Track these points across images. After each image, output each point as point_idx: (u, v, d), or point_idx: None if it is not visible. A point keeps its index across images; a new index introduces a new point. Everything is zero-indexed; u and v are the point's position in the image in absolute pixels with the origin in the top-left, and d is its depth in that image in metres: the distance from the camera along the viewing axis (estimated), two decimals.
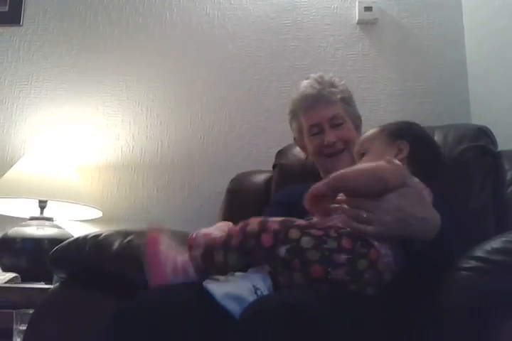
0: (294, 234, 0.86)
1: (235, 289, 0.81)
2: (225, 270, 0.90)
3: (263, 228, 0.87)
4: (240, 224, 0.92)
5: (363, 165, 1.01)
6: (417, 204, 0.91)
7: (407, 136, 1.08)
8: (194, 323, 0.83)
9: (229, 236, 0.91)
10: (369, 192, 0.90)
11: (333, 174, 0.92)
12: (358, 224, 0.88)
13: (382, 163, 0.94)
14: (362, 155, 1.09)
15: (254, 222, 0.90)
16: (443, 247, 0.92)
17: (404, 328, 0.87)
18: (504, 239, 0.89)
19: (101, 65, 2.18)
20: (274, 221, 0.89)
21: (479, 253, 0.89)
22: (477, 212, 1.37)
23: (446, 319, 0.86)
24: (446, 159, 1.30)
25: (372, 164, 0.95)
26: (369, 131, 1.14)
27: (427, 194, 0.98)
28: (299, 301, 0.74)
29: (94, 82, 2.16)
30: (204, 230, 1.00)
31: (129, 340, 0.82)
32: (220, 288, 0.82)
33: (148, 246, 0.94)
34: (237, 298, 0.80)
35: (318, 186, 0.91)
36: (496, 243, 0.89)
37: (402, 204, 0.89)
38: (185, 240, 0.98)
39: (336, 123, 1.32)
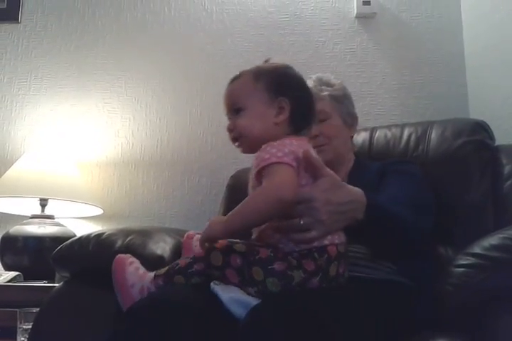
0: (257, 274, 0.86)
1: (238, 293, 0.83)
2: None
3: (226, 263, 0.88)
4: (204, 251, 0.91)
5: (253, 196, 0.92)
6: (338, 189, 0.93)
7: (288, 91, 1.00)
8: (201, 323, 0.84)
9: (191, 262, 0.93)
10: (277, 215, 0.90)
11: (227, 217, 0.91)
12: (299, 234, 0.88)
13: (267, 189, 0.89)
14: (237, 110, 1.01)
15: (216, 255, 0.88)
16: (378, 212, 0.96)
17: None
18: (502, 235, 0.90)
19: (100, 62, 2.18)
20: (238, 251, 0.88)
21: (478, 249, 0.90)
22: (475, 207, 1.37)
23: (445, 315, 0.88)
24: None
25: (259, 191, 0.90)
26: (240, 76, 1.05)
27: (309, 148, 0.96)
28: (303, 305, 0.76)
29: (93, 78, 2.16)
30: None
31: (140, 337, 0.83)
32: (225, 291, 0.84)
33: (115, 271, 0.96)
34: (242, 302, 0.81)
35: (213, 234, 0.89)
36: (494, 239, 0.90)
37: (327, 197, 0.90)
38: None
39: (319, 119, 1.31)
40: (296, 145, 0.93)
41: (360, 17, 2.14)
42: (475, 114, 1.92)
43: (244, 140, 1.00)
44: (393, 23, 2.13)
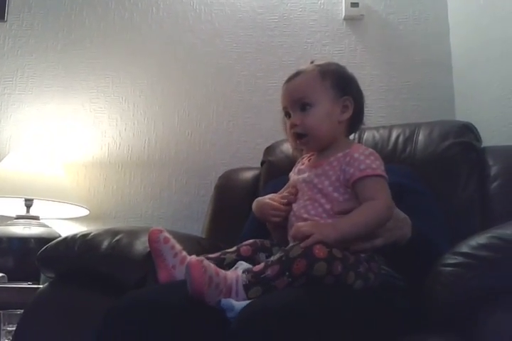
0: (350, 278, 0.86)
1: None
2: None
3: (328, 271, 0.83)
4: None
5: (366, 211, 0.91)
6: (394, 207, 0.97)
7: (352, 91, 1.02)
8: (185, 324, 0.82)
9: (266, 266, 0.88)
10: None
11: (337, 225, 0.89)
12: (368, 242, 0.90)
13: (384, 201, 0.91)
14: (304, 105, 0.99)
15: (322, 265, 0.83)
16: (420, 244, 0.98)
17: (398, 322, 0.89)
18: (489, 234, 0.90)
19: (87, 61, 2.16)
20: (338, 257, 0.85)
21: (465, 249, 0.90)
22: (462, 208, 1.39)
23: (433, 314, 0.88)
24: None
25: (372, 207, 0.90)
26: (303, 72, 1.02)
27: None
28: (295, 302, 0.75)
29: (80, 78, 2.15)
30: None
31: (118, 340, 0.82)
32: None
33: (151, 243, 0.94)
34: (232, 305, 0.80)
35: (326, 240, 0.85)
36: (481, 239, 0.90)
37: None
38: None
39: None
40: None
41: (348, 19, 2.15)
42: (462, 115, 1.93)
43: (312, 139, 0.99)
44: (381, 25, 2.15)
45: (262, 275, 0.83)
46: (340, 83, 1.00)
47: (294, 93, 1.00)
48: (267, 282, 0.83)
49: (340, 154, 0.96)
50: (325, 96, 0.98)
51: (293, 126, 0.99)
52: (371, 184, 0.91)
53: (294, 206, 0.98)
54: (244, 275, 0.84)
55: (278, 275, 0.82)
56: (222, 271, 0.84)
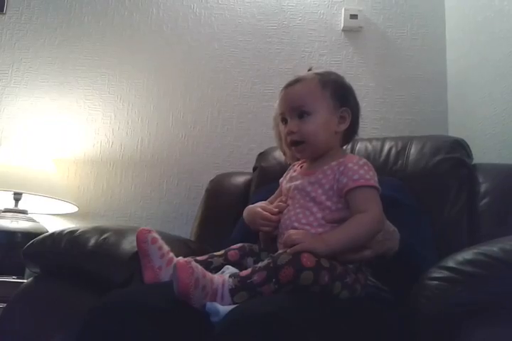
0: (337, 288, 0.87)
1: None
2: None
3: (315, 282, 0.84)
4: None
5: (357, 225, 0.91)
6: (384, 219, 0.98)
7: (350, 102, 1.02)
8: (168, 326, 0.82)
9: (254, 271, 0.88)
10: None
11: (327, 237, 0.89)
12: (356, 254, 0.91)
13: (375, 214, 0.91)
14: (302, 113, 0.98)
15: (308, 274, 0.83)
16: (407, 257, 1.00)
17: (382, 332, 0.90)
18: (476, 250, 0.91)
19: (83, 58, 2.15)
20: (325, 266, 0.85)
21: (451, 263, 0.91)
22: (450, 223, 1.40)
23: (418, 327, 0.88)
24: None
25: (362, 220, 0.90)
26: (303, 79, 1.02)
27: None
28: (279, 309, 0.75)
29: (76, 74, 2.14)
30: None
31: (100, 339, 0.81)
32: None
33: (138, 243, 0.94)
34: (217, 309, 0.80)
35: (315, 251, 0.85)
36: (467, 254, 0.91)
37: None
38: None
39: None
40: None
41: (347, 30, 2.17)
42: (454, 131, 1.96)
43: (308, 146, 0.98)
44: (379, 38, 2.17)
45: (249, 281, 0.83)
46: (340, 94, 1.01)
47: (294, 100, 1.00)
48: (253, 287, 0.83)
49: (334, 163, 0.96)
50: (324, 106, 0.98)
51: (290, 133, 0.99)
52: (363, 195, 0.92)
53: (285, 213, 0.98)
54: (230, 279, 0.84)
55: (264, 281, 0.83)
56: (209, 274, 0.84)
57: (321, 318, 0.79)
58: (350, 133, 1.03)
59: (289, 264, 0.82)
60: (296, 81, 1.02)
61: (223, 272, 0.90)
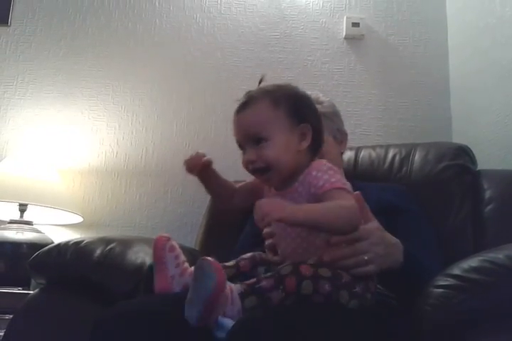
0: (343, 298, 0.85)
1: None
2: None
3: (315, 291, 0.84)
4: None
5: (331, 207, 0.87)
6: (383, 232, 0.96)
7: (307, 117, 0.95)
8: (174, 338, 0.82)
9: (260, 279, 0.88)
10: (337, 233, 0.89)
11: (304, 207, 0.87)
12: (360, 269, 0.89)
13: (353, 204, 0.87)
14: (258, 140, 0.93)
15: (308, 284, 0.83)
16: (411, 268, 0.98)
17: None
18: (481, 258, 0.91)
19: (88, 69, 2.17)
20: (325, 277, 0.85)
21: (457, 271, 0.90)
22: (455, 230, 1.39)
23: (423, 335, 0.88)
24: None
25: (337, 204, 0.86)
26: (254, 100, 0.96)
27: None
28: (287, 325, 0.75)
29: (81, 85, 2.15)
30: None
31: None
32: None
33: (155, 250, 0.92)
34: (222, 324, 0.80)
35: (291, 219, 0.82)
36: (473, 262, 0.91)
37: (381, 234, 0.94)
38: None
39: None
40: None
41: (349, 38, 2.18)
42: (458, 137, 1.95)
43: (275, 173, 0.92)
44: (381, 46, 2.18)
45: (257, 286, 0.84)
46: (296, 110, 0.95)
47: (247, 128, 0.94)
48: (263, 292, 0.83)
49: (301, 177, 0.93)
50: (280, 128, 0.93)
51: (250, 162, 0.94)
52: (332, 197, 0.87)
53: (276, 237, 0.97)
54: (238, 285, 0.85)
55: (272, 287, 0.83)
56: None
57: (327, 331, 0.79)
58: (315, 147, 0.97)
59: (292, 274, 0.83)
60: (246, 104, 0.96)
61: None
